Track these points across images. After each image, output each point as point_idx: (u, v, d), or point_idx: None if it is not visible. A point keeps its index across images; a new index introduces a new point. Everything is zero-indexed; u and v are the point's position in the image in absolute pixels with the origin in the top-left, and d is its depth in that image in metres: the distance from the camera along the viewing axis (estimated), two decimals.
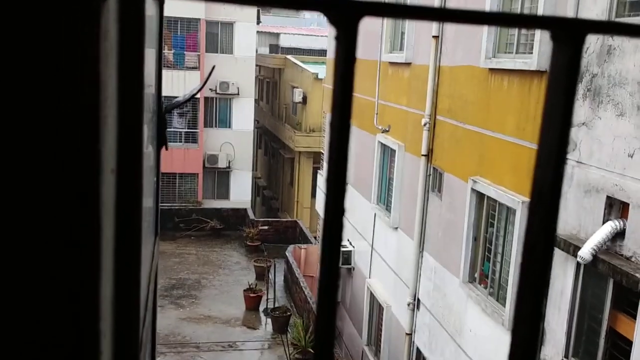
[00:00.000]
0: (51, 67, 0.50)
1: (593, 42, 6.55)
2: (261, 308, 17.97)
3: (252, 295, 17.91)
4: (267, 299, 17.74)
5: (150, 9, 1.49)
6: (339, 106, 0.38)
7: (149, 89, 1.62)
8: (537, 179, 0.44)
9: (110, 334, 0.66)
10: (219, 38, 26.66)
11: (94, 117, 0.52)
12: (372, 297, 13.41)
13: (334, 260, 0.42)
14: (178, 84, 25.21)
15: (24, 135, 0.50)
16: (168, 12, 24.94)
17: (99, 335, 0.57)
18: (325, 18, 0.39)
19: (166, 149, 1.79)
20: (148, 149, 1.58)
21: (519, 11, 8.22)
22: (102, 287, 0.57)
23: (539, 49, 7.43)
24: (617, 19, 6.33)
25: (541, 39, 7.42)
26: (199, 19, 25.77)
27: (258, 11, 27.51)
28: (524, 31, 8.17)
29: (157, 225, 1.90)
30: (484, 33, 8.72)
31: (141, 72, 0.81)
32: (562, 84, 0.42)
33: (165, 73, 26.29)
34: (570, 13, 6.88)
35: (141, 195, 0.84)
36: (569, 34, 0.42)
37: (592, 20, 0.43)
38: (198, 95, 25.61)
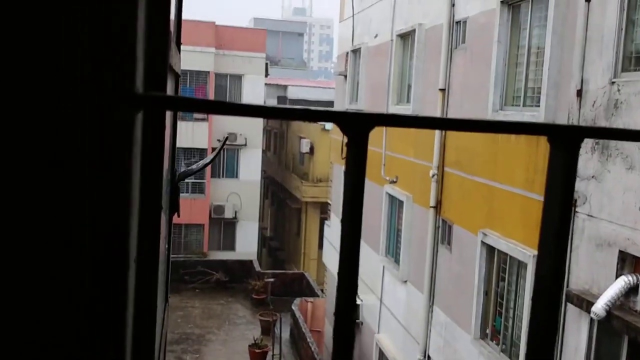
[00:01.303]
0: (89, 176, 0.55)
1: (600, 96, 6.56)
2: None
3: (257, 350, 17.54)
4: (272, 355, 17.37)
5: (169, 86, 1.51)
6: (350, 212, 0.40)
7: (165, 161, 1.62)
8: (539, 278, 0.46)
9: None
10: (227, 90, 27.08)
11: (124, 213, 0.57)
12: (381, 353, 13.10)
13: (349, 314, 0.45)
14: (186, 135, 25.48)
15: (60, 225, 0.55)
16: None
17: None
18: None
19: (178, 216, 1.77)
20: (163, 218, 1.57)
21: (524, 70, 8.29)
22: None
23: (546, 102, 7.46)
24: (623, 73, 6.36)
25: (547, 92, 7.46)
26: (208, 72, 26.24)
27: (266, 64, 28.03)
28: (530, 84, 8.23)
29: (167, 292, 1.87)
30: (491, 86, 8.79)
31: (160, 174, 0.88)
32: (560, 187, 0.45)
33: None
34: (575, 69, 6.92)
35: (156, 286, 0.87)
36: (565, 139, 0.45)
37: (587, 126, 0.46)
38: (206, 146, 25.83)
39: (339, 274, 0.42)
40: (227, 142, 26.80)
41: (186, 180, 26.62)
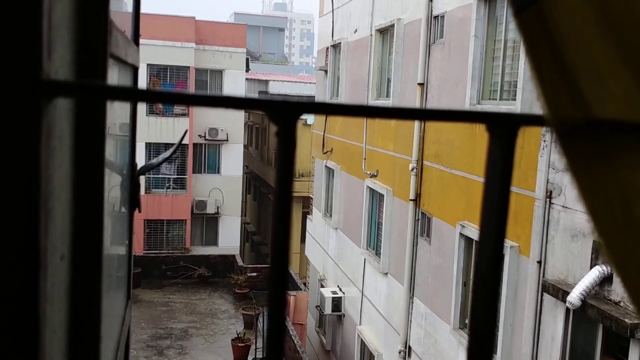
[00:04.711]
0: None
1: None
2: (250, 358, 17.61)
3: (240, 344, 17.57)
4: (255, 349, 17.41)
5: (124, 79, 1.52)
6: (279, 195, 0.41)
7: (123, 153, 1.63)
8: (479, 260, 0.48)
9: None
10: (208, 85, 26.94)
11: (32, 210, 0.53)
12: (363, 344, 13.21)
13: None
14: (167, 130, 25.32)
15: None
16: (158, 60, 25.29)
17: None
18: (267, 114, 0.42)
19: (139, 211, 1.79)
20: (121, 212, 1.57)
21: (501, 64, 8.40)
22: None
23: (522, 95, 7.57)
24: None
25: (524, 86, 7.57)
26: (189, 67, 26.09)
27: (247, 59, 27.93)
28: (507, 78, 8.34)
29: (129, 288, 1.88)
30: (468, 80, 8.89)
31: (101, 167, 0.83)
32: (499, 175, 0.45)
33: (154, 120, 26.22)
34: None
35: (99, 281, 0.84)
36: (502, 128, 0.44)
37: (524, 114, 0.46)
38: (187, 142, 25.72)
39: (270, 271, 0.44)
40: (209, 138, 26.70)
41: (168, 176, 26.48)
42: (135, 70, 1.79)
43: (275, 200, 0.42)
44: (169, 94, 0.41)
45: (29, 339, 0.54)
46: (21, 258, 0.52)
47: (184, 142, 25.46)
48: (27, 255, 0.52)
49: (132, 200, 1.73)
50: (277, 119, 0.41)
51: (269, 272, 0.43)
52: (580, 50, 0.39)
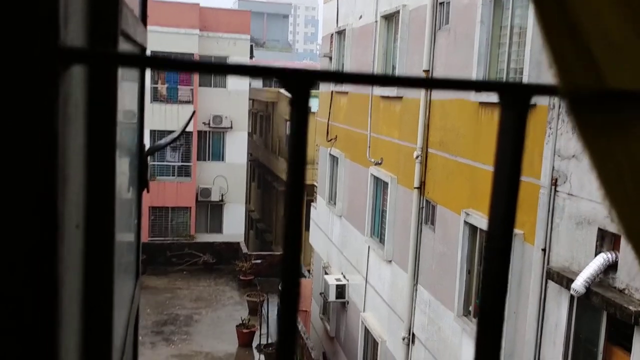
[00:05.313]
0: (5, 133, 0.52)
1: None
2: (254, 344, 17.72)
3: (245, 330, 17.67)
4: (260, 335, 17.51)
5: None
6: (293, 164, 0.41)
7: (131, 134, 1.63)
8: (490, 233, 0.47)
9: None
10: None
11: (50, 183, 0.54)
12: (367, 331, 13.26)
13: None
14: (171, 117, 25.32)
15: None
16: (162, 47, 25.24)
17: None
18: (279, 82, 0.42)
19: (147, 191, 1.79)
20: (129, 192, 1.57)
21: (506, 50, 8.34)
22: (62, 344, 0.57)
23: (528, 81, 7.50)
24: None
25: (529, 72, 7.52)
26: (192, 54, 26.02)
27: (251, 46, 27.84)
28: (512, 64, 8.29)
29: (138, 267, 1.89)
30: (474, 67, 8.83)
31: (113, 136, 0.84)
32: (510, 146, 0.44)
33: (158, 107, 26.20)
34: None
35: (112, 249, 0.84)
36: (514, 99, 0.44)
37: (537, 84, 0.46)
38: (191, 129, 25.72)
39: (282, 253, 0.44)
40: (213, 125, 26.68)
41: (172, 164, 26.51)
42: (143, 50, 1.79)
43: (289, 168, 0.42)
44: (180, 61, 0.42)
45: (47, 298, 0.55)
46: (41, 220, 0.54)
47: (188, 129, 25.45)
48: (46, 218, 0.54)
49: (141, 180, 1.73)
50: (292, 87, 0.41)
51: (282, 239, 0.42)
52: (592, 17, 0.39)
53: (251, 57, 28.15)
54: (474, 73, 8.83)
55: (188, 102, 25.93)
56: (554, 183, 7.01)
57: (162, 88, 25.76)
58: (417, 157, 10.66)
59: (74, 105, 0.63)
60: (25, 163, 0.53)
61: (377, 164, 12.61)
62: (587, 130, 0.43)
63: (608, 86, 0.40)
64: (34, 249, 0.54)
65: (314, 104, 25.71)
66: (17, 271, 0.53)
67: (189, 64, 0.42)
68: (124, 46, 1.23)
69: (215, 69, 0.41)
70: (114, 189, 0.84)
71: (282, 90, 30.92)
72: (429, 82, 0.46)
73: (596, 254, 6.27)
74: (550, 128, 7.10)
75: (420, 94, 10.61)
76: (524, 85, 0.45)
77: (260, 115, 33.44)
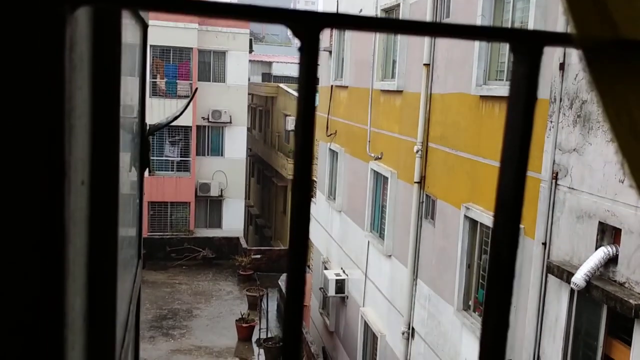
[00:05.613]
0: (12, 75, 0.52)
1: (582, 69, 6.61)
2: (254, 338, 17.73)
3: (244, 325, 17.69)
4: (260, 329, 17.53)
5: (134, 35, 1.50)
6: (302, 113, 0.39)
7: (132, 112, 1.61)
8: (501, 186, 0.45)
9: (81, 345, 0.66)
10: (211, 67, 26.83)
11: (57, 126, 0.54)
12: (366, 326, 13.27)
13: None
14: (171, 112, 25.21)
15: None
16: (160, 41, 25.17)
17: (64, 345, 0.57)
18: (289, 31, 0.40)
19: (149, 172, 1.77)
20: (131, 171, 1.56)
21: (509, 23, 8.30)
22: (68, 297, 0.57)
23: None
24: None
25: None
26: (192, 48, 25.96)
27: (250, 40, 27.76)
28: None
29: (140, 248, 1.88)
30: (475, 60, 8.81)
31: (117, 85, 0.83)
32: (523, 94, 0.43)
33: (157, 101, 26.18)
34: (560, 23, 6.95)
35: (117, 207, 0.84)
36: (527, 46, 0.43)
37: (550, 32, 0.45)
38: (190, 124, 25.67)
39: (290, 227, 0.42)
40: (212, 120, 26.64)
41: (171, 159, 26.48)
42: (145, 28, 1.77)
43: (297, 120, 0.41)
44: (184, 1, 0.40)
45: (54, 250, 0.55)
46: (47, 167, 0.54)
47: (187, 124, 25.41)
48: (53, 166, 0.54)
49: (143, 160, 1.72)
50: (301, 31, 0.39)
51: (291, 221, 0.41)
52: None
53: (250, 51, 28.08)
54: (475, 67, 8.81)
55: (187, 96, 25.87)
56: (555, 177, 7.00)
57: (161, 82, 25.71)
58: (417, 151, 10.64)
59: (79, 56, 0.62)
60: (35, 105, 0.52)
61: (377, 158, 12.59)
62: (599, 79, 0.42)
63: (622, 37, 0.40)
64: (42, 199, 0.53)
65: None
66: (25, 222, 0.53)
67: (192, 4, 0.40)
68: (126, 23, 1.21)
69: (220, 11, 0.38)
70: (118, 144, 0.83)
71: (281, 85, 30.79)
72: (441, 28, 0.45)
73: (596, 248, 6.27)
74: (551, 122, 7.08)
75: (420, 88, 10.59)
76: (537, 32, 0.44)
77: (260, 110, 33.39)
